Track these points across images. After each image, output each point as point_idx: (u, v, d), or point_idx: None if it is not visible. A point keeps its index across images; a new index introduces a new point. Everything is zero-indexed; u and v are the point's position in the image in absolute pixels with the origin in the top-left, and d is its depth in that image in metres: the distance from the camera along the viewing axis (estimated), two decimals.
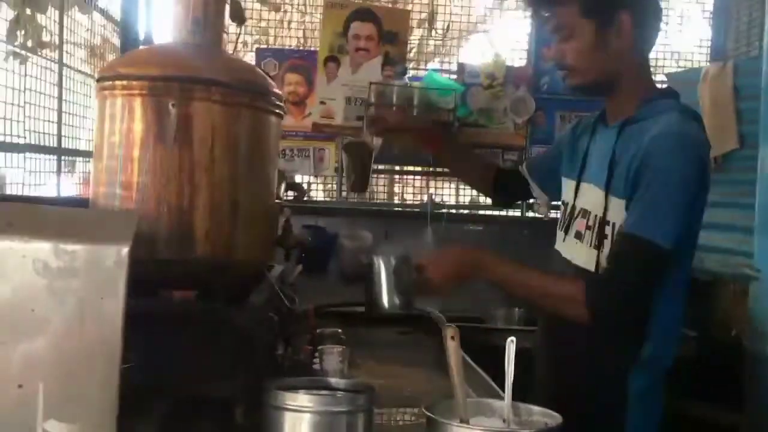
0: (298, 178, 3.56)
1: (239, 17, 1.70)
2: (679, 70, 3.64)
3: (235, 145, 1.41)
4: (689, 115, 1.49)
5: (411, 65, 3.66)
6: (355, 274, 3.02)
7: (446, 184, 3.70)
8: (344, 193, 3.54)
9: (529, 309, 1.46)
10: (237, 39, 2.87)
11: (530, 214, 3.57)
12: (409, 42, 3.57)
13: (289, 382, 1.16)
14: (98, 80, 1.47)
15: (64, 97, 2.56)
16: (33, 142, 2.31)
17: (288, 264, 1.76)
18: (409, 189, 3.92)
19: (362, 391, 1.16)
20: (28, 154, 2.26)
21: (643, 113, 1.49)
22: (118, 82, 1.40)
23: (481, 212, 3.68)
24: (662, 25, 1.64)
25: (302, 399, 1.09)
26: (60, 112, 2.53)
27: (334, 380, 1.22)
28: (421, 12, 3.65)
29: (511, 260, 1.51)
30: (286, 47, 3.74)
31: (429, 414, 1.08)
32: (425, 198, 3.55)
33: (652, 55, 1.71)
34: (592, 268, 1.50)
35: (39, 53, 2.30)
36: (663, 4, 1.86)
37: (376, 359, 1.86)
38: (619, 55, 1.50)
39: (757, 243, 2.63)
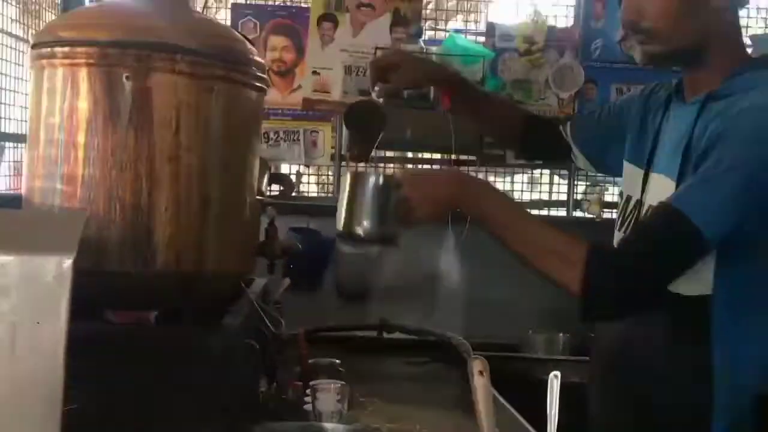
0: (284, 169, 3.57)
1: None
2: None
3: (206, 128, 1.41)
4: None
5: (427, 25, 3.66)
6: (357, 289, 3.03)
7: (472, 175, 3.70)
8: None
9: (520, 261, 1.47)
10: None
11: (578, 213, 3.57)
12: None
13: (274, 428, 1.16)
14: (33, 46, 1.47)
15: None
16: None
17: (272, 277, 1.77)
18: None
19: None
20: None
21: (731, 87, 1.48)
22: (58, 49, 1.40)
23: None
24: None
25: None
26: None
27: (330, 425, 1.22)
28: None
29: (510, 200, 1.51)
30: (269, 3, 3.72)
31: None
32: None
33: None
34: None
35: None
36: None
37: (382, 397, 1.87)
38: (714, 13, 1.49)
39: None
